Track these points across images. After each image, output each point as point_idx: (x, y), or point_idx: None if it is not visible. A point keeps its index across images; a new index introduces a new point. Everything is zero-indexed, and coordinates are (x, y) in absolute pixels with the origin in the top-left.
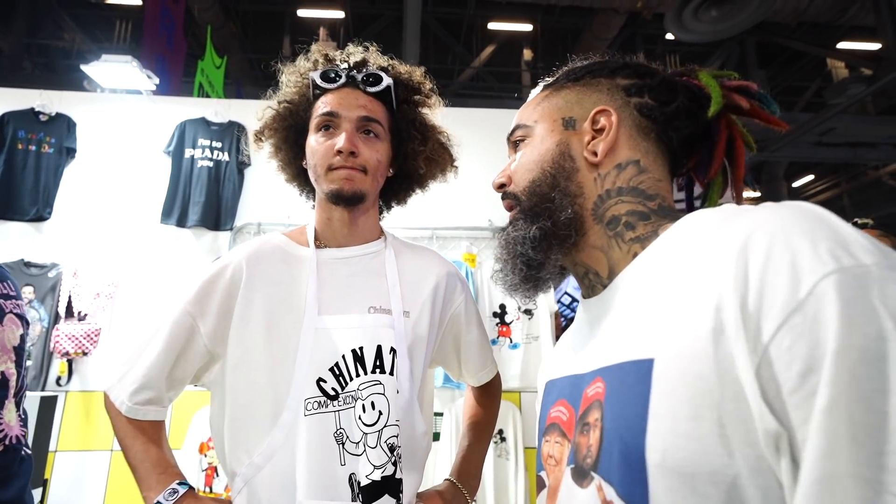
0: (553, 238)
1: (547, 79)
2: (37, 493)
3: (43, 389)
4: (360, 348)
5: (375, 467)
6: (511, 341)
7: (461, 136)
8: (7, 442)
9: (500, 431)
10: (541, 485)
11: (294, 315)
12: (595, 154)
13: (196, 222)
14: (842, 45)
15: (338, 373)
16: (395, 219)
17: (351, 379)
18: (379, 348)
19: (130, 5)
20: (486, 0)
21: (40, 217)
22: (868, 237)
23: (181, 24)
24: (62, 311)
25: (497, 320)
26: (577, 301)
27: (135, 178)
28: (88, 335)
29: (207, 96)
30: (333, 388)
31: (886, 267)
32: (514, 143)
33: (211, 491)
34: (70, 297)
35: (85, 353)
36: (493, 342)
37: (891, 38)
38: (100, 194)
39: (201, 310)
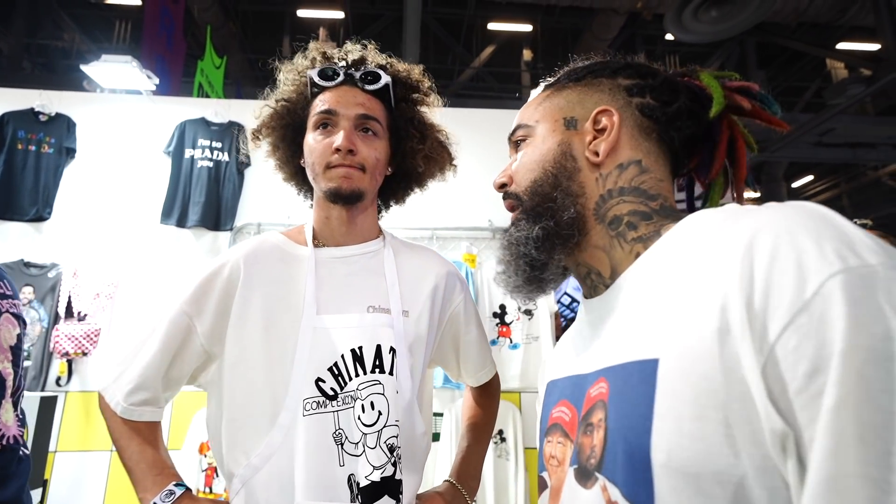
0: (556, 238)
1: (548, 79)
2: (37, 494)
3: (43, 390)
4: (360, 348)
5: (375, 468)
6: (511, 342)
7: (461, 137)
8: (5, 442)
9: (500, 432)
10: (542, 485)
11: (292, 314)
12: (597, 154)
13: (196, 222)
14: (841, 46)
15: (337, 373)
16: (395, 219)
17: (350, 379)
18: (378, 348)
19: (130, 5)
20: (486, 0)
21: (40, 217)
22: (873, 237)
23: (181, 24)
24: (62, 311)
25: (497, 321)
26: (577, 301)
27: (135, 179)
28: (88, 335)
29: (207, 96)
30: (332, 389)
31: (892, 267)
32: (515, 143)
33: (211, 491)
34: (70, 297)
35: (85, 354)
36: (493, 342)
37: (890, 39)
38: (100, 194)
39: (198, 309)
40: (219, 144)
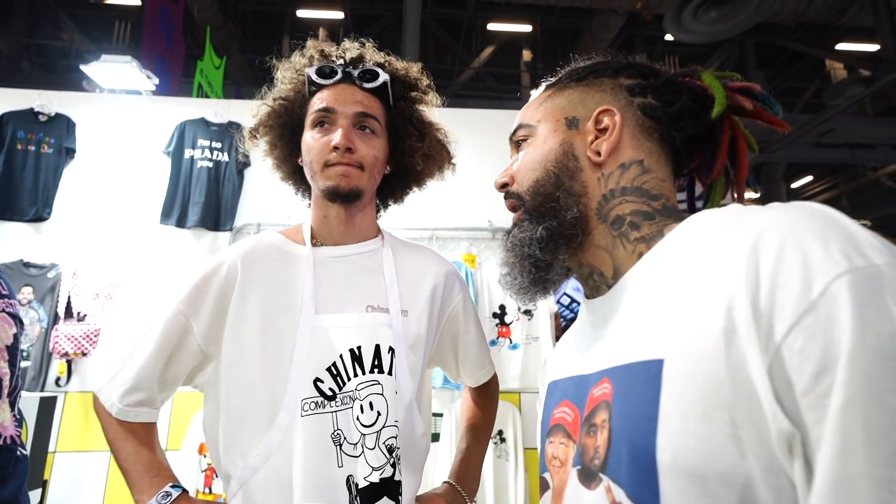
0: (560, 238)
1: (549, 78)
2: (36, 494)
3: (42, 390)
4: (358, 348)
5: (374, 469)
6: (511, 342)
7: (460, 137)
8: (1, 442)
9: (500, 432)
10: (544, 486)
11: (290, 314)
12: (598, 154)
13: (196, 223)
14: (840, 47)
15: (335, 373)
16: (395, 220)
17: (349, 379)
18: (377, 348)
19: (129, 5)
20: (486, 1)
21: (39, 217)
22: (878, 237)
23: (180, 24)
24: (61, 311)
25: (497, 321)
26: (577, 302)
27: (134, 179)
28: (88, 336)
29: (206, 97)
30: (331, 389)
31: None
32: (517, 143)
33: (210, 492)
34: (69, 297)
35: (84, 354)
36: (493, 343)
37: (889, 40)
38: (99, 195)
39: (195, 309)
40: (218, 145)
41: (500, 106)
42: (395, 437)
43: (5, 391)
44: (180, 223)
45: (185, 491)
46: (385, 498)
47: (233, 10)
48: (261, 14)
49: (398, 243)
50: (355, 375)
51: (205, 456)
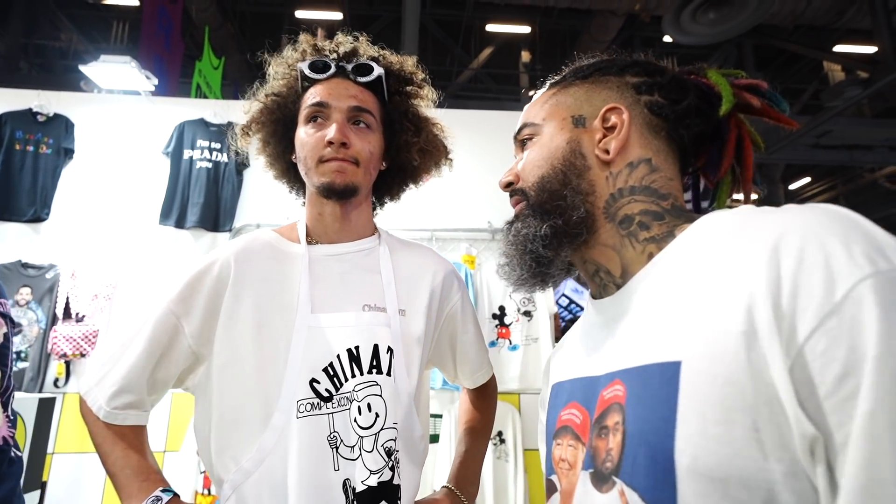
0: (564, 236)
1: (553, 77)
2: (35, 495)
3: (41, 391)
4: (356, 347)
5: (372, 472)
6: (510, 343)
7: (459, 138)
8: None
9: (500, 433)
10: (551, 488)
11: (285, 313)
12: (607, 152)
13: (195, 223)
14: (838, 48)
15: (332, 373)
16: (395, 220)
17: (346, 380)
18: (376, 347)
19: (127, 6)
20: (485, 2)
21: (38, 218)
22: None
23: (179, 24)
24: (60, 312)
25: (496, 322)
26: (575, 303)
27: (133, 179)
28: (86, 336)
29: (205, 97)
30: (327, 390)
31: None
32: (522, 142)
33: (210, 493)
34: (68, 298)
35: (83, 355)
36: (493, 344)
37: (887, 42)
38: (98, 195)
39: (186, 309)
40: (218, 145)
41: (499, 107)
42: (394, 440)
43: None
44: (179, 224)
45: (175, 495)
46: (383, 502)
47: (231, 11)
48: (259, 14)
49: (395, 241)
50: (353, 376)
51: None
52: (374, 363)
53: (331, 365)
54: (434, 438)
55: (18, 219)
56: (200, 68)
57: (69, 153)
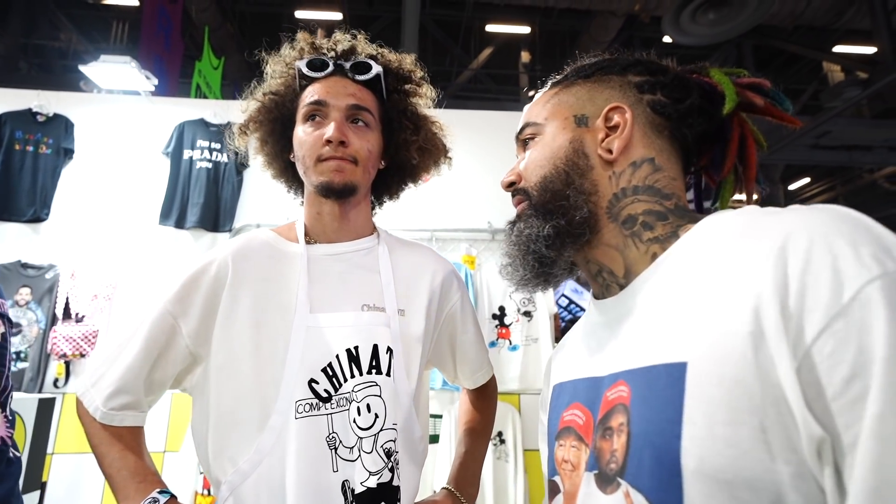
0: (567, 236)
1: (554, 76)
2: (34, 496)
3: (40, 391)
4: (356, 348)
5: (371, 473)
6: (510, 343)
7: (459, 138)
8: None
9: (500, 433)
10: (554, 490)
11: (284, 313)
12: (610, 151)
13: (195, 224)
14: (838, 49)
15: (331, 374)
16: (395, 220)
17: (345, 380)
18: (375, 348)
19: (127, 6)
20: (484, 2)
21: (38, 218)
22: None
23: (178, 24)
24: (59, 312)
25: (496, 322)
26: (575, 303)
27: (133, 180)
28: (86, 337)
29: (205, 97)
30: (326, 390)
31: None
32: (524, 142)
33: (209, 493)
34: (67, 298)
35: (83, 355)
36: (493, 344)
37: (886, 42)
38: (98, 195)
39: (183, 309)
40: (217, 145)
41: (499, 107)
42: (394, 441)
43: None
44: (179, 224)
45: (173, 496)
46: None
47: (231, 11)
48: (259, 15)
49: (394, 241)
50: (352, 376)
51: None
52: (374, 363)
53: (330, 365)
54: (434, 439)
55: (18, 219)
56: (200, 68)
57: (69, 153)
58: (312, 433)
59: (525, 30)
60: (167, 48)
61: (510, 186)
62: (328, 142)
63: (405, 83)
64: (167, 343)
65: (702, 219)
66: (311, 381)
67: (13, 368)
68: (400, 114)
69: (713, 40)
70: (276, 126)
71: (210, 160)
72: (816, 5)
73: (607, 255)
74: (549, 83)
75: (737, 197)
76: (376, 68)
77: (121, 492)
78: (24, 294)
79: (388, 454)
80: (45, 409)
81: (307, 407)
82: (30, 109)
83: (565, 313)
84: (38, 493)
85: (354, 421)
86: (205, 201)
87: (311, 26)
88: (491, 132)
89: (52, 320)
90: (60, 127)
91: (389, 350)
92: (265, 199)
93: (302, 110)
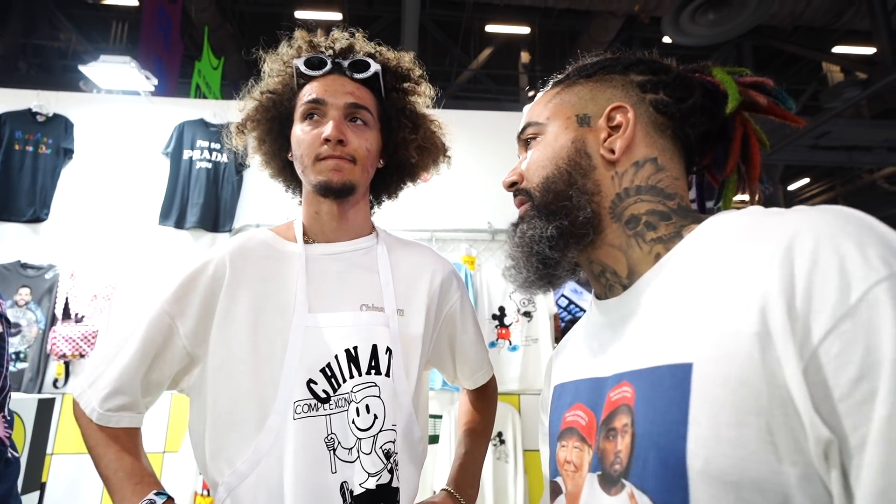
0: (570, 237)
1: (556, 76)
2: (34, 496)
3: (40, 392)
4: (355, 348)
5: (370, 475)
6: (510, 343)
7: (459, 139)
8: None
9: (500, 434)
10: (556, 491)
11: (282, 313)
12: (612, 151)
13: (194, 224)
14: (837, 49)
15: (329, 374)
16: (395, 220)
17: (344, 381)
18: (374, 348)
19: (127, 6)
20: (484, 3)
21: (37, 218)
22: None
23: (178, 24)
24: (59, 312)
25: (496, 323)
26: (575, 304)
27: (133, 180)
28: (85, 337)
29: (204, 97)
30: (325, 391)
31: None
32: (525, 142)
33: (209, 494)
34: (67, 298)
35: (82, 356)
36: (493, 345)
37: (885, 43)
38: (97, 195)
39: (180, 309)
40: (217, 145)
41: (499, 107)
42: (393, 442)
43: None
44: (179, 224)
45: (170, 498)
46: None
47: (230, 11)
48: (258, 15)
49: (393, 241)
50: (351, 377)
51: None
52: (373, 364)
53: (328, 365)
54: (434, 439)
55: (18, 219)
56: (200, 68)
57: (68, 153)
58: (311, 434)
59: (525, 30)
60: (167, 48)
61: (512, 186)
62: (326, 140)
63: (404, 81)
64: (164, 343)
65: (705, 219)
66: (310, 381)
67: (12, 369)
68: (399, 112)
69: (713, 41)
70: (274, 125)
71: (210, 160)
72: (816, 6)
73: (610, 256)
74: (551, 83)
75: (739, 197)
76: (375, 66)
77: (117, 493)
78: (24, 294)
79: (388, 455)
80: (45, 410)
81: (305, 407)
82: (29, 109)
83: (565, 314)
84: (37, 493)
85: (353, 422)
86: (204, 201)
87: (309, 25)
88: (491, 132)
89: (52, 320)
90: (60, 127)
91: (388, 350)
92: (265, 199)
93: (300, 109)
